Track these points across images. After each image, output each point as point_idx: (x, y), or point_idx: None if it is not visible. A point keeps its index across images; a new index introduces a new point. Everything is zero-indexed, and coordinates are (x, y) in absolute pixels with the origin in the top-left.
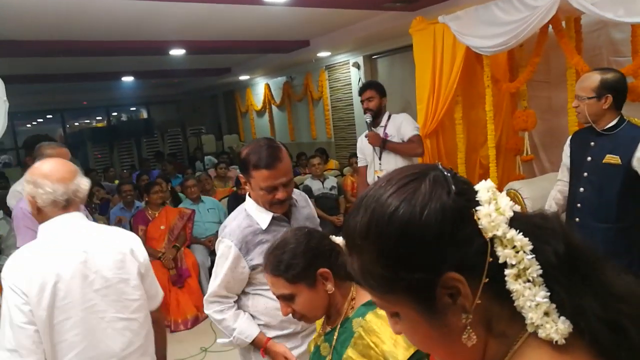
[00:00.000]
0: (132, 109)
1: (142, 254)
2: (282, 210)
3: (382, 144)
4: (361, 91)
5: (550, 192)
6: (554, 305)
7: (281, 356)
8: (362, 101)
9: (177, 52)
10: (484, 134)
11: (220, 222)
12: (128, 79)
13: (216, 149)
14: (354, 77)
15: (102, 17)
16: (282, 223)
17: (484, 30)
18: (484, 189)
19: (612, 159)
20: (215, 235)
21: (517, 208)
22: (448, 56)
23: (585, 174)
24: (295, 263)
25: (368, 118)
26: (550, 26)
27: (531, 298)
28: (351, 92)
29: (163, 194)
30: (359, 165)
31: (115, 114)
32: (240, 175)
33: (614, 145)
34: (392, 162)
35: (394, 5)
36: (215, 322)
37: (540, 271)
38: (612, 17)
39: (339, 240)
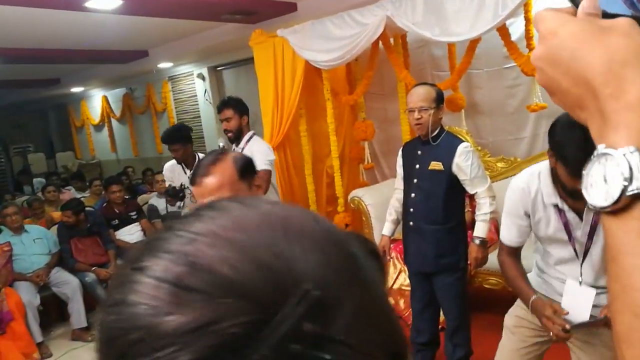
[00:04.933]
0: None
1: None
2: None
3: None
4: (218, 110)
5: (390, 197)
6: None
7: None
8: (221, 120)
9: None
10: (328, 145)
11: (49, 254)
12: None
13: (48, 169)
14: (200, 88)
15: None
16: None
17: (320, 45)
18: None
19: (436, 165)
20: (45, 270)
21: None
22: (289, 69)
23: (415, 180)
24: None
25: (221, 142)
26: (381, 42)
27: None
28: (197, 104)
29: None
30: None
31: None
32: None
33: (437, 153)
34: None
35: (233, 17)
36: None
37: None
38: (429, 36)
39: None
